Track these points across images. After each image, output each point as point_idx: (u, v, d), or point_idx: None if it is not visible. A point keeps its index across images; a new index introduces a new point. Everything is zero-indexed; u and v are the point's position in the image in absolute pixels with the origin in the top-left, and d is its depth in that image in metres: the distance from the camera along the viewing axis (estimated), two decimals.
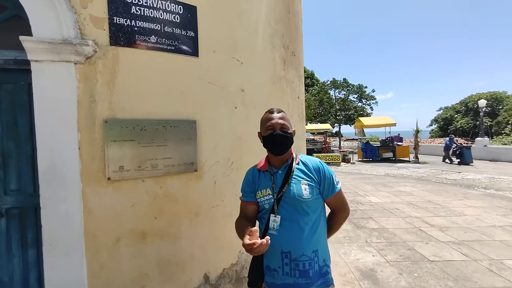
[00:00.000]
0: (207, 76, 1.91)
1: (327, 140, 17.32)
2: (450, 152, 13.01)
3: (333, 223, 1.32)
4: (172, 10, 1.74)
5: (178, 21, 1.77)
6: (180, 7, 1.78)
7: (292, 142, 1.25)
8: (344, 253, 3.36)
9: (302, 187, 1.18)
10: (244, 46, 2.12)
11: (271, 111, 1.26)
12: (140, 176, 1.67)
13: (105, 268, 1.59)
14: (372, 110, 27.21)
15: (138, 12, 1.63)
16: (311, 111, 24.53)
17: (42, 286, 1.54)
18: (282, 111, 1.27)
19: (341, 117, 25.56)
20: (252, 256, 1.29)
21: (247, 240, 1.02)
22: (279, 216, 1.16)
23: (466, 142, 19.62)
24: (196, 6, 1.84)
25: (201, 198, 1.89)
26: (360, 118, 18.97)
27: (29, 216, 1.68)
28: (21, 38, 1.40)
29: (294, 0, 2.80)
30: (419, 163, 13.38)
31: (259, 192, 1.24)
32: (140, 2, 1.64)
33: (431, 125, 42.79)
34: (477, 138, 15.19)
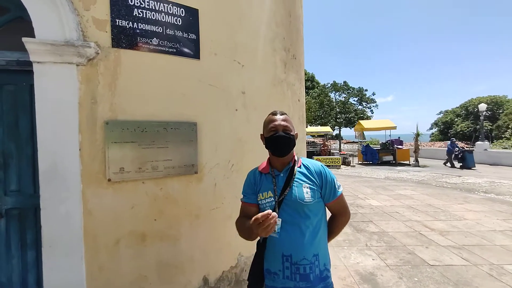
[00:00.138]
0: (208, 79, 1.92)
1: (326, 142, 17.28)
2: (452, 156, 12.90)
3: (333, 227, 1.31)
4: (174, 12, 1.76)
5: (180, 23, 1.78)
6: (182, 10, 1.79)
7: (294, 144, 1.25)
8: (344, 256, 3.35)
9: (304, 191, 1.18)
10: (245, 49, 2.14)
11: (274, 113, 1.27)
12: (141, 178, 1.67)
13: (104, 270, 1.59)
14: (372, 113, 27.25)
15: (140, 14, 1.64)
16: (311, 113, 24.56)
17: (41, 287, 1.53)
18: (285, 114, 1.28)
19: (341, 120, 25.59)
20: (252, 259, 1.28)
21: (254, 217, 0.98)
22: (280, 219, 1.16)
23: (467, 146, 19.58)
24: (198, 9, 1.85)
25: (201, 200, 1.89)
26: (361, 121, 18.98)
27: (29, 217, 1.68)
28: (24, 39, 1.41)
29: (295, 3, 2.81)
30: (419, 166, 13.36)
31: (260, 194, 1.23)
32: (142, 4, 1.65)
33: (431, 128, 42.81)
34: (478, 142, 15.17)
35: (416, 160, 13.86)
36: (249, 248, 1.91)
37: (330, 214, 1.33)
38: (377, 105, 27.27)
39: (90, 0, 1.53)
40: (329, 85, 27.57)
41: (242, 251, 2.08)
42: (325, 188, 1.22)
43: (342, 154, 16.83)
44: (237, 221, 1.28)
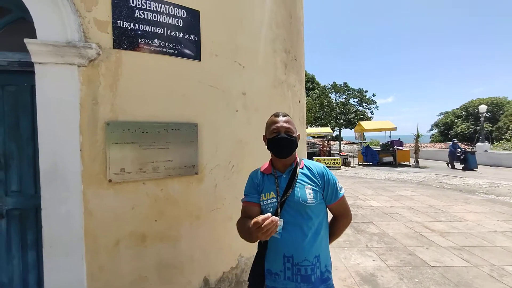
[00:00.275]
0: (209, 80, 1.92)
1: (325, 143, 17.23)
2: (454, 157, 12.72)
3: (335, 229, 1.31)
4: (175, 14, 1.76)
5: (181, 25, 1.79)
6: (183, 12, 1.80)
7: (296, 146, 1.25)
8: (345, 257, 3.34)
9: (307, 192, 1.18)
10: (246, 50, 2.14)
11: (276, 115, 1.27)
12: (141, 179, 1.67)
13: (104, 270, 1.59)
14: (372, 114, 27.27)
15: (141, 16, 1.65)
16: (311, 114, 24.58)
17: (42, 287, 1.53)
18: (288, 115, 1.28)
19: (342, 121, 25.61)
20: (252, 260, 1.28)
21: (253, 220, 0.96)
22: (282, 220, 1.16)
23: (468, 147, 19.55)
24: (199, 11, 1.86)
25: (201, 201, 1.89)
26: (361, 122, 18.99)
27: (30, 217, 1.68)
28: (26, 40, 1.41)
29: (296, 5, 2.82)
30: (419, 167, 13.35)
31: (263, 195, 1.23)
32: (144, 6, 1.66)
33: (431, 129, 42.79)
34: (478, 144, 15.16)
35: (417, 161, 13.85)
36: (250, 249, 1.91)
37: (332, 216, 1.33)
38: (377, 106, 27.30)
39: (92, 1, 1.54)
40: (329, 86, 27.62)
41: (242, 252, 2.08)
42: (327, 190, 1.22)
43: (342, 155, 16.82)
44: (238, 222, 1.27)
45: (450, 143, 13.69)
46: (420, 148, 14.81)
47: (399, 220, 4.82)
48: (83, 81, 1.53)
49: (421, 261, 3.18)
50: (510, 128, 27.01)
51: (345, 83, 26.89)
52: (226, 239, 1.98)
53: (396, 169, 13.19)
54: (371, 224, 4.59)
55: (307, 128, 18.62)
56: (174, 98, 1.80)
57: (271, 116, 1.29)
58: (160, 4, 1.71)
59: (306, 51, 3.22)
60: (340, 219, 1.31)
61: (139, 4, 1.64)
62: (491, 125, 30.99)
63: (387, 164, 14.77)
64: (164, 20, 1.73)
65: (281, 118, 1.25)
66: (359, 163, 15.87)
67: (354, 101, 26.97)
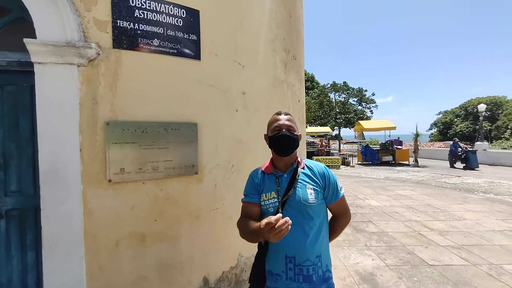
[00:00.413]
0: (209, 79, 1.92)
1: (323, 143, 17.20)
2: (457, 156, 12.61)
3: (335, 228, 1.32)
4: (175, 14, 1.76)
5: (181, 24, 1.79)
6: (183, 11, 1.79)
7: (298, 145, 1.25)
8: (344, 256, 3.35)
9: (308, 192, 1.18)
10: (246, 49, 2.14)
11: (279, 113, 1.28)
12: (141, 179, 1.67)
13: (104, 270, 1.59)
14: (372, 113, 27.29)
15: (141, 15, 1.65)
16: (311, 114, 24.60)
17: (41, 287, 1.53)
18: (289, 114, 1.28)
19: (341, 120, 25.62)
20: (252, 259, 1.29)
21: (265, 220, 0.93)
22: None
23: (467, 146, 19.59)
24: (198, 10, 1.86)
25: (201, 200, 1.89)
26: (360, 122, 19.01)
27: (29, 217, 1.68)
28: (25, 40, 1.41)
29: (295, 4, 2.82)
30: (418, 166, 13.38)
31: (264, 195, 1.23)
32: (143, 5, 1.65)
33: (430, 129, 42.86)
34: (477, 143, 15.20)
35: (416, 161, 13.88)
36: (249, 248, 1.91)
37: (331, 215, 1.34)
38: (376, 105, 27.33)
39: (92, 1, 1.54)
40: (328, 85, 27.61)
41: (242, 252, 2.09)
42: (328, 190, 1.23)
43: (342, 154, 16.84)
44: (239, 222, 1.26)
45: (451, 142, 13.64)
46: (419, 147, 14.85)
47: (398, 219, 4.83)
48: (82, 81, 1.53)
49: (420, 260, 3.19)
50: (509, 127, 27.08)
51: (344, 83, 26.89)
52: (225, 238, 1.98)
53: (395, 168, 13.22)
54: (370, 223, 4.61)
55: (306, 127, 18.61)
56: (174, 97, 1.79)
57: (274, 114, 1.29)
58: (159, 4, 1.71)
59: (305, 51, 3.22)
60: (339, 219, 1.31)
61: (138, 4, 1.64)
62: (490, 124, 31.07)
63: (387, 163, 14.80)
64: (164, 19, 1.72)
65: (283, 117, 1.25)
66: (359, 163, 15.90)
67: (354, 101, 26.99)
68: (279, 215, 0.94)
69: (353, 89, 26.82)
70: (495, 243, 3.67)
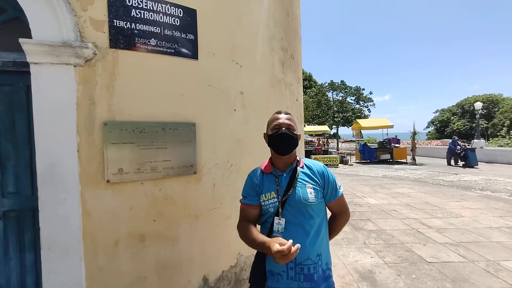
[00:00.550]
0: (207, 79, 1.92)
1: (320, 142, 17.18)
2: (453, 154, 12.61)
3: (334, 226, 1.33)
4: (172, 13, 1.75)
5: (178, 24, 1.78)
6: (180, 10, 1.79)
7: (297, 144, 1.25)
8: (343, 254, 3.37)
9: (308, 191, 1.18)
10: (243, 49, 2.14)
11: (279, 112, 1.28)
12: (139, 179, 1.67)
13: (103, 271, 1.58)
14: (369, 112, 27.39)
15: (138, 15, 1.64)
16: (309, 113, 24.63)
17: None
18: (289, 114, 1.29)
19: (339, 119, 25.68)
20: (251, 258, 1.29)
21: (277, 246, 0.97)
22: (284, 219, 1.16)
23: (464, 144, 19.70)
24: (196, 10, 1.85)
25: (200, 200, 1.89)
26: (358, 120, 19.06)
27: (27, 218, 1.67)
28: (21, 40, 1.40)
29: (293, 3, 2.82)
30: (416, 164, 13.45)
31: (263, 195, 1.22)
32: (140, 5, 1.64)
33: (428, 127, 43.10)
34: (474, 140, 15.30)
35: (413, 159, 13.95)
36: (249, 248, 1.90)
37: (330, 214, 1.34)
38: (374, 104, 27.43)
39: (88, 0, 1.53)
40: (326, 84, 27.65)
41: (241, 251, 2.09)
42: (327, 189, 1.23)
43: (340, 153, 16.89)
44: (239, 227, 1.25)
45: (450, 140, 13.61)
46: (416, 146, 14.91)
47: (396, 217, 4.86)
48: (79, 81, 1.52)
49: (418, 258, 3.21)
50: (505, 124, 27.29)
51: (342, 81, 26.95)
52: (225, 238, 1.98)
53: (393, 166, 13.28)
54: (369, 222, 4.63)
55: (304, 126, 18.62)
56: (172, 97, 1.79)
57: (274, 113, 1.30)
58: (156, 3, 1.70)
59: (303, 50, 3.22)
60: (339, 217, 1.32)
61: (135, 3, 1.63)
62: (486, 122, 31.29)
63: (384, 162, 14.86)
64: (161, 19, 1.72)
65: (283, 115, 1.25)
66: (357, 161, 15.96)
67: (351, 99, 27.06)
68: (290, 241, 0.98)
69: (350, 87, 26.89)
70: (492, 239, 3.70)
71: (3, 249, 1.63)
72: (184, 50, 1.81)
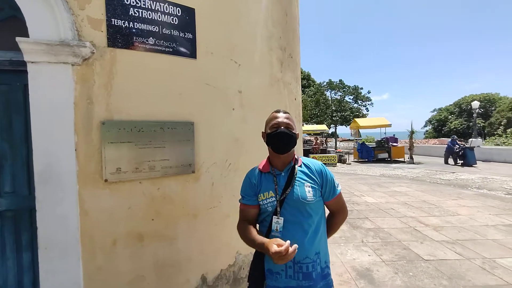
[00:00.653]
0: (205, 78, 1.92)
1: (317, 141, 17.17)
2: (451, 154, 12.60)
3: (332, 225, 1.33)
4: (170, 12, 1.75)
5: (176, 23, 1.78)
6: (178, 9, 1.78)
7: (295, 143, 1.25)
8: (341, 253, 3.39)
9: (306, 190, 1.19)
10: (242, 48, 2.14)
11: (277, 111, 1.28)
12: (138, 178, 1.66)
13: (101, 271, 1.58)
14: (367, 111, 27.49)
15: (136, 14, 1.63)
16: (307, 112, 24.66)
17: None
18: (288, 113, 1.29)
19: (337, 118, 25.76)
20: (250, 257, 1.29)
21: (275, 248, 0.98)
22: (282, 218, 1.16)
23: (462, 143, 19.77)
24: (194, 8, 1.85)
25: (198, 199, 1.89)
26: (356, 119, 19.12)
27: (24, 218, 1.66)
28: (18, 39, 1.39)
29: (291, 3, 2.82)
30: (414, 163, 13.52)
31: (261, 195, 1.23)
32: (138, 4, 1.64)
33: (425, 126, 43.34)
34: (471, 139, 15.40)
35: (411, 157, 14.03)
36: (247, 246, 1.91)
37: (328, 212, 1.35)
38: (372, 103, 27.52)
39: None
40: (324, 83, 27.71)
41: (240, 249, 2.10)
42: (325, 187, 1.24)
43: (338, 152, 16.94)
44: (239, 227, 1.26)
45: (449, 139, 13.57)
46: (414, 145, 14.99)
47: (394, 215, 4.89)
48: (77, 80, 1.51)
49: (415, 255, 3.24)
50: (502, 123, 27.49)
51: (340, 80, 27.02)
52: (223, 237, 1.98)
53: (391, 165, 13.35)
54: (367, 220, 4.66)
55: (303, 125, 18.65)
56: (170, 96, 1.78)
57: (272, 112, 1.30)
58: (154, 2, 1.69)
59: (301, 49, 3.23)
60: (337, 215, 1.33)
61: (133, 2, 1.62)
62: (483, 121, 31.52)
63: (382, 161, 14.93)
64: (159, 18, 1.71)
65: (281, 114, 1.26)
66: (355, 160, 16.02)
67: (350, 98, 27.14)
68: (288, 242, 0.98)
69: (349, 87, 26.96)
70: (489, 237, 3.74)
71: (0, 249, 1.62)
72: (182, 49, 1.81)
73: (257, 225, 1.30)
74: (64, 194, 1.49)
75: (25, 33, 1.42)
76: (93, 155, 1.55)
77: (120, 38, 1.59)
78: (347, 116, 25.54)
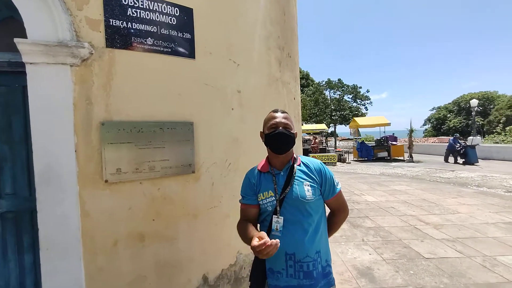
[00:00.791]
0: (204, 78, 1.92)
1: (316, 140, 17.15)
2: (452, 152, 12.55)
3: (333, 223, 1.33)
4: (168, 12, 1.75)
5: (175, 23, 1.78)
6: (176, 9, 1.78)
7: (294, 143, 1.25)
8: (341, 252, 3.39)
9: (305, 189, 1.19)
10: (240, 48, 2.14)
11: (275, 111, 1.28)
12: (138, 178, 1.66)
13: (103, 271, 1.58)
14: (366, 110, 27.53)
15: (134, 14, 1.63)
16: (306, 111, 24.69)
17: None
18: (286, 112, 1.29)
19: (336, 117, 25.80)
20: (253, 259, 1.29)
21: (255, 241, 0.96)
22: (282, 217, 1.16)
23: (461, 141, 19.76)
24: (192, 8, 1.85)
25: (198, 199, 1.89)
26: (355, 118, 19.14)
27: (25, 220, 1.66)
28: (16, 40, 1.39)
29: (289, 2, 2.82)
30: (413, 162, 13.54)
31: (261, 194, 1.23)
32: (136, 4, 1.64)
33: (424, 124, 43.43)
34: (470, 137, 15.43)
35: (410, 156, 14.05)
36: (248, 246, 1.92)
37: (329, 211, 1.35)
38: (371, 102, 27.57)
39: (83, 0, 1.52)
40: (323, 82, 27.74)
41: (240, 249, 2.10)
42: (325, 186, 1.24)
43: (338, 151, 16.94)
44: (239, 226, 1.26)
45: (451, 137, 13.49)
46: (413, 143, 15.01)
47: (394, 214, 4.90)
48: (76, 81, 1.51)
49: (416, 254, 3.25)
50: (501, 121, 27.55)
51: (339, 80, 27.06)
52: (224, 237, 1.98)
53: (391, 164, 13.36)
54: (367, 219, 4.66)
55: (302, 125, 18.62)
56: (169, 96, 1.78)
57: (270, 112, 1.29)
58: (153, 2, 1.69)
59: (300, 48, 3.23)
60: (337, 214, 1.33)
61: (131, 2, 1.62)
62: (482, 119, 31.58)
63: (382, 159, 14.95)
64: (157, 18, 1.71)
65: (279, 114, 1.25)
66: (354, 159, 16.03)
67: (349, 98, 27.18)
68: (266, 238, 0.96)
69: (347, 86, 27.00)
70: (489, 235, 3.74)
71: (2, 251, 1.62)
72: (181, 49, 1.81)
73: (258, 225, 1.30)
74: (64, 195, 1.49)
75: (23, 34, 1.42)
76: (93, 156, 1.55)
77: (118, 39, 1.59)
78: (346, 115, 25.57)
